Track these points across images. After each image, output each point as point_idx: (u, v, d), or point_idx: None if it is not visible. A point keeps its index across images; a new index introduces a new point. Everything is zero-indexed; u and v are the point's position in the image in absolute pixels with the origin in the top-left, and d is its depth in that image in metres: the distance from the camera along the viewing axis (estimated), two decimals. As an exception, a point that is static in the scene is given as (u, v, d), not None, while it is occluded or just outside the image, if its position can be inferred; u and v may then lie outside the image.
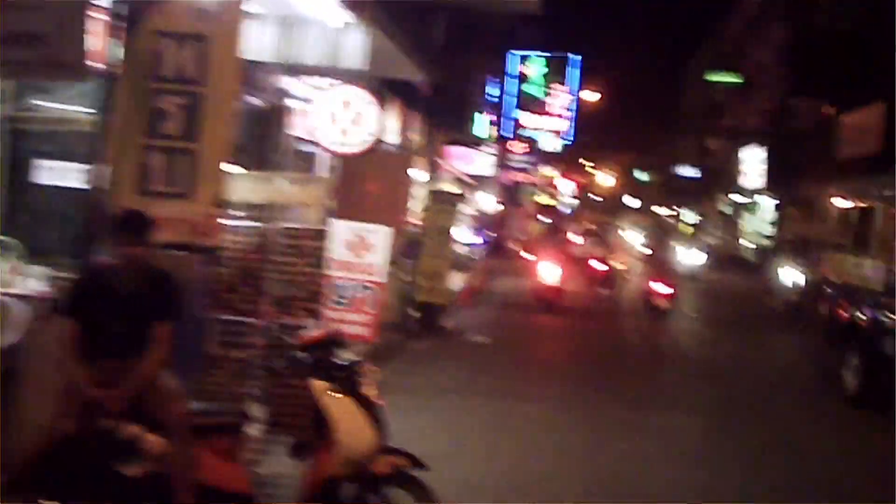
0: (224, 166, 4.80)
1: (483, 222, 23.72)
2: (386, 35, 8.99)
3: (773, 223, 30.41)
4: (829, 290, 10.63)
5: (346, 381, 4.35)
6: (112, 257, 4.12)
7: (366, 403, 4.33)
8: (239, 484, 4.29)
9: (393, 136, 15.78)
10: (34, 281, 5.00)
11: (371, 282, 7.35)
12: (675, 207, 49.11)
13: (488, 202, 27.33)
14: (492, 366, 10.36)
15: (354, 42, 8.25)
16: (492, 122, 28.29)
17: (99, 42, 4.77)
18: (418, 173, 15.58)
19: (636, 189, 60.24)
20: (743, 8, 34.53)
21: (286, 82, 9.46)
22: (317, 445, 4.35)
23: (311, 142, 9.24)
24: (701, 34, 42.50)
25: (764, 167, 29.90)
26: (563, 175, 52.71)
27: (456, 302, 14.11)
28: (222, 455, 4.27)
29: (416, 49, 11.45)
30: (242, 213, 5.61)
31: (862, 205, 10.20)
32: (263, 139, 9.34)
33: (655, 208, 52.30)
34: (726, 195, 37.11)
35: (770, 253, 24.47)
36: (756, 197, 32.26)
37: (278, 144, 9.71)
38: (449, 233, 12.45)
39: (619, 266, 19.04)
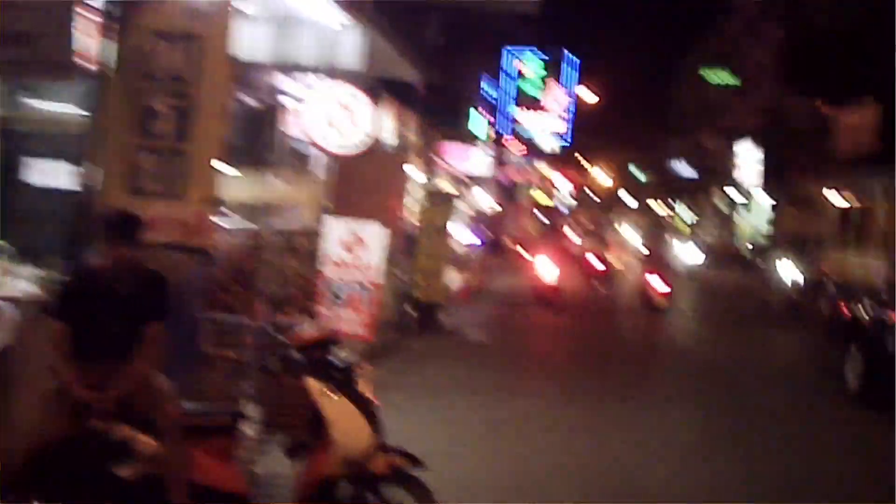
0: (217, 166, 4.75)
1: (480, 220, 23.70)
2: (381, 34, 8.95)
3: (769, 221, 30.45)
4: (829, 287, 10.57)
5: (343, 380, 4.32)
6: (102, 258, 4.08)
7: (362, 403, 4.30)
8: (234, 484, 4.26)
9: (389, 136, 15.74)
10: (24, 282, 4.96)
11: (367, 280, 7.31)
12: (672, 205, 49.16)
13: (485, 200, 27.31)
14: (489, 363, 10.34)
15: (349, 41, 8.22)
16: (489, 122, 28.28)
17: (89, 41, 4.73)
18: (415, 172, 15.56)
19: (633, 187, 60.29)
20: (738, 6, 34.54)
21: (281, 82, 9.42)
22: (313, 445, 4.32)
23: (307, 142, 9.20)
24: (696, 32, 42.51)
25: (760, 165, 29.93)
26: (561, 173, 52.70)
27: (453, 300, 14.09)
28: (217, 455, 4.24)
29: (411, 48, 11.40)
30: (236, 213, 5.58)
31: (862, 202, 10.14)
32: (258, 139, 9.30)
33: (653, 206, 52.34)
34: (723, 193, 37.14)
35: (767, 250, 24.48)
36: (752, 194, 32.29)
37: (273, 144, 9.67)
38: (446, 231, 12.43)
39: (616, 264, 19.02)
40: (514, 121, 35.74)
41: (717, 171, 36.68)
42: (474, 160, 24.72)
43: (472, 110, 24.20)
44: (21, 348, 4.51)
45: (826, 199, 23.38)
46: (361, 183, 9.04)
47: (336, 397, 4.24)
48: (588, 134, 47.54)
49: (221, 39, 4.60)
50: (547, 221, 37.63)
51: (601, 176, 62.23)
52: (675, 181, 45.97)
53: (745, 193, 33.16)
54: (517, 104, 35.70)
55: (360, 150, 8.64)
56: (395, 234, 10.54)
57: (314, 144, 8.92)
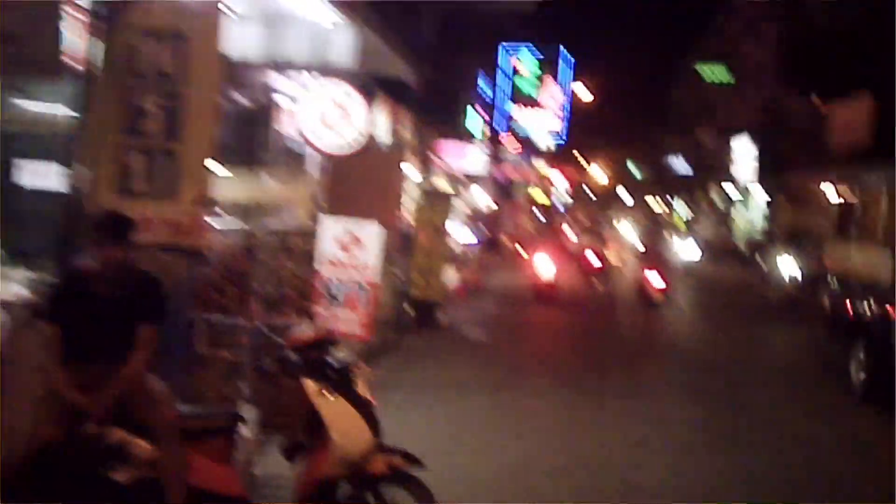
0: (209, 166, 4.70)
1: (477, 219, 23.66)
2: (374, 32, 8.89)
3: (766, 216, 30.45)
4: (832, 282, 10.44)
5: (340, 381, 4.28)
6: (93, 260, 4.03)
7: (360, 403, 4.26)
8: (231, 487, 4.23)
9: (383, 134, 15.68)
10: (15, 285, 4.90)
11: (364, 280, 7.25)
12: (668, 201, 49.17)
13: (482, 199, 27.28)
14: (487, 361, 10.30)
15: (342, 39, 8.16)
16: (485, 119, 28.26)
17: (78, 41, 4.66)
18: (411, 170, 15.50)
19: (630, 184, 60.31)
20: (736, 4, 34.51)
21: (274, 80, 9.36)
22: (311, 446, 4.28)
23: (301, 141, 9.15)
24: (693, 29, 42.49)
25: (756, 161, 29.91)
26: (558, 170, 52.69)
27: (451, 298, 14.05)
28: (214, 458, 4.20)
29: (405, 45, 11.36)
30: (230, 214, 5.52)
31: (863, 197, 9.98)
32: (251, 138, 9.24)
33: (650, 203, 52.36)
34: (720, 189, 37.15)
35: (764, 245, 24.47)
36: (749, 190, 32.29)
37: (266, 143, 9.62)
38: (442, 229, 12.39)
39: (613, 260, 19.00)
40: (511, 118, 35.73)
41: (714, 167, 36.67)
42: (471, 158, 24.69)
43: (468, 108, 24.18)
44: (13, 352, 4.45)
45: (823, 194, 23.40)
46: (357, 182, 8.98)
47: (333, 398, 4.21)
48: (585, 131, 47.57)
49: (211, 37, 4.54)
50: (544, 219, 37.60)
51: (598, 173, 62.26)
52: (672, 178, 45.98)
53: (742, 189, 33.15)
54: (513, 102, 35.67)
55: (354, 149, 8.59)
56: (392, 233, 10.50)
57: (308, 143, 8.86)
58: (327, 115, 8.54)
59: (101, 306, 3.95)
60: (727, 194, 36.07)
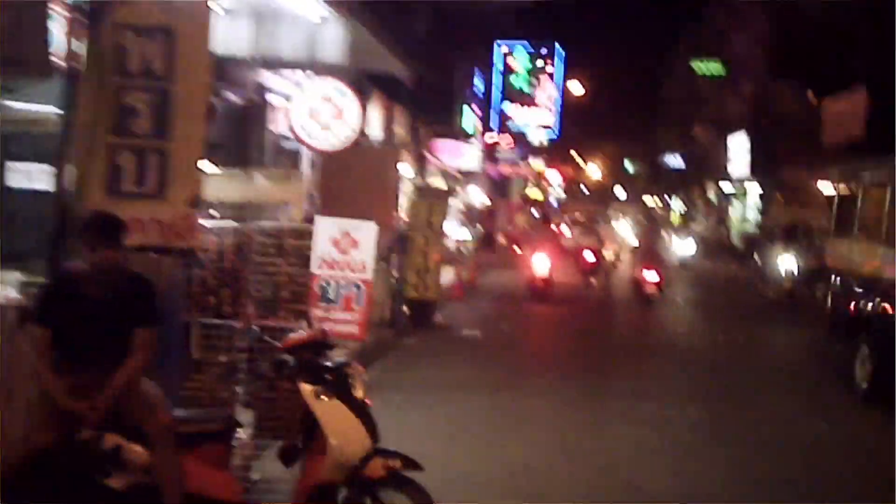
0: (201, 165, 4.63)
1: (472, 216, 23.62)
2: (365, 27, 8.81)
3: (760, 211, 30.46)
4: (833, 279, 10.25)
5: (336, 382, 4.23)
6: (84, 262, 3.95)
7: (356, 405, 4.20)
8: (228, 492, 4.17)
9: (377, 131, 15.61)
10: (7, 287, 4.82)
11: (359, 279, 7.19)
12: (664, 198, 49.22)
13: (477, 196, 27.23)
14: (484, 360, 10.25)
15: (332, 34, 8.09)
16: (479, 116, 28.20)
17: (66, 39, 4.59)
18: (406, 168, 15.44)
19: (625, 179, 60.39)
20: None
21: (265, 78, 9.29)
22: (307, 450, 4.22)
23: (294, 138, 9.08)
24: (683, 22, 42.51)
25: (751, 156, 29.91)
26: (552, 167, 52.69)
27: (447, 297, 13.99)
28: (210, 463, 4.15)
29: (398, 41, 11.28)
30: (221, 213, 5.45)
31: (864, 190, 9.76)
32: (243, 136, 9.17)
33: (644, 198, 52.40)
34: (714, 183, 37.18)
35: (759, 240, 24.47)
36: (744, 185, 32.30)
37: (259, 142, 9.55)
38: (437, 227, 12.32)
39: (609, 256, 18.97)
40: (504, 115, 35.68)
41: (709, 162, 36.69)
42: (465, 156, 24.65)
43: (462, 105, 24.13)
44: (3, 356, 4.38)
45: (818, 189, 23.39)
46: (352, 181, 8.92)
47: (329, 400, 4.15)
48: (580, 128, 47.59)
49: (199, 33, 4.45)
50: (539, 216, 37.58)
51: (593, 170, 62.32)
52: (666, 174, 46.02)
53: (737, 185, 33.16)
54: (507, 99, 35.63)
55: (346, 146, 8.53)
56: (387, 232, 10.44)
57: (300, 141, 8.80)
58: (319, 112, 8.47)
59: (92, 309, 3.89)
60: (722, 190, 36.10)
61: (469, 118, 25.22)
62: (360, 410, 4.21)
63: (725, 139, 33.22)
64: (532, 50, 37.68)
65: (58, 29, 4.50)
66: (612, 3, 60.11)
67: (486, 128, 31.71)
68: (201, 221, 4.86)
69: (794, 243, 17.29)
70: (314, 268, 5.92)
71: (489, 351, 10.99)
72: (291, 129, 8.76)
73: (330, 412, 4.14)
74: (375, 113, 16.06)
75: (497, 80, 33.90)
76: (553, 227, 23.70)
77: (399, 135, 15.39)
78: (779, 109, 26.88)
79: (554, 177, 54.68)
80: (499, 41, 33.19)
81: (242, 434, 4.88)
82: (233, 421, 4.46)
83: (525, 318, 14.37)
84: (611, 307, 16.22)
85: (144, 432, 3.87)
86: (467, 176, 25.86)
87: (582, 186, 64.55)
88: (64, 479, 3.76)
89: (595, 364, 10.42)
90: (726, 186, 35.04)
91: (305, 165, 11.24)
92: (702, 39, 38.18)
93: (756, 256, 20.65)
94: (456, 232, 17.42)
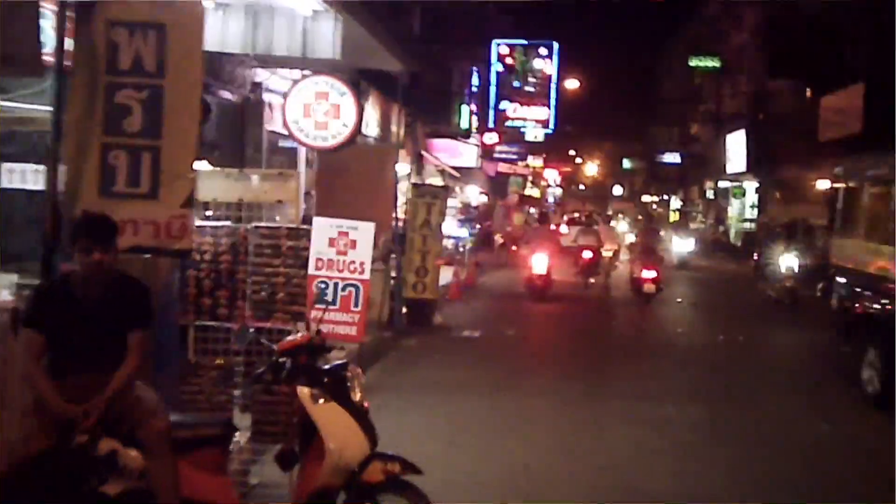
0: (194, 164, 4.55)
1: (469, 215, 23.57)
2: (360, 23, 8.73)
3: (758, 208, 30.44)
4: (839, 279, 10.04)
5: (333, 385, 4.17)
6: (76, 264, 3.88)
7: (354, 407, 4.14)
8: (226, 497, 4.10)
9: (373, 129, 15.53)
10: (0, 290, 4.76)
11: (357, 279, 7.12)
12: (661, 195, 49.20)
13: (475, 195, 27.18)
14: (483, 360, 10.20)
15: (326, 31, 8.00)
16: (476, 114, 28.15)
17: (57, 38, 4.50)
18: (403, 167, 15.37)
19: (622, 177, 60.36)
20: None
21: (259, 75, 9.22)
22: (305, 454, 4.17)
23: (289, 136, 9.00)
24: (679, 19, 42.48)
25: (749, 153, 29.87)
26: (549, 165, 52.66)
27: (444, 296, 13.93)
28: (207, 468, 4.08)
29: (394, 38, 11.21)
30: (216, 213, 5.37)
31: (873, 186, 9.54)
32: (238, 134, 9.10)
33: (643, 196, 52.39)
34: (712, 181, 37.15)
35: (757, 238, 24.44)
36: (742, 182, 32.28)
37: (254, 140, 9.48)
38: (435, 227, 12.26)
39: (606, 254, 18.93)
40: (502, 113, 35.63)
41: (707, 160, 36.68)
42: (463, 154, 24.60)
43: (460, 104, 24.08)
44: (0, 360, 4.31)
45: (815, 185, 23.37)
46: (350, 180, 8.86)
47: (327, 403, 4.09)
48: (578, 126, 47.58)
49: (191, 28, 4.37)
50: (536, 213, 37.54)
51: (590, 166, 62.33)
52: (664, 172, 45.99)
53: (735, 183, 33.15)
54: (505, 97, 35.58)
55: (343, 144, 8.45)
56: (384, 232, 10.37)
57: (296, 139, 8.72)
58: (313, 110, 8.40)
59: (85, 313, 3.82)
60: (720, 187, 36.07)
61: (467, 117, 25.15)
62: (358, 414, 4.15)
63: (723, 137, 33.19)
64: (530, 48, 37.63)
65: (49, 27, 4.42)
66: (610, 2, 60.10)
67: (485, 126, 31.66)
68: (196, 222, 4.79)
69: (795, 241, 17.23)
70: (311, 269, 5.86)
71: (488, 351, 10.94)
72: (286, 127, 8.69)
73: (328, 416, 4.08)
74: (373, 111, 16.00)
75: (495, 78, 33.84)
76: (551, 225, 23.64)
77: (397, 133, 15.31)
78: (776, 107, 26.85)
79: (552, 175, 54.67)
80: (497, 40, 33.14)
81: (240, 438, 4.82)
82: (230, 425, 4.39)
83: (524, 317, 14.32)
84: (609, 306, 16.17)
85: (140, 437, 3.81)
86: (465, 175, 25.80)
87: (580, 185, 64.55)
88: (58, 485, 3.69)
89: (594, 364, 10.36)
90: (724, 184, 35.01)
91: (302, 164, 11.17)
92: (700, 38, 38.14)
93: (756, 254, 20.61)
94: (453, 230, 17.37)
